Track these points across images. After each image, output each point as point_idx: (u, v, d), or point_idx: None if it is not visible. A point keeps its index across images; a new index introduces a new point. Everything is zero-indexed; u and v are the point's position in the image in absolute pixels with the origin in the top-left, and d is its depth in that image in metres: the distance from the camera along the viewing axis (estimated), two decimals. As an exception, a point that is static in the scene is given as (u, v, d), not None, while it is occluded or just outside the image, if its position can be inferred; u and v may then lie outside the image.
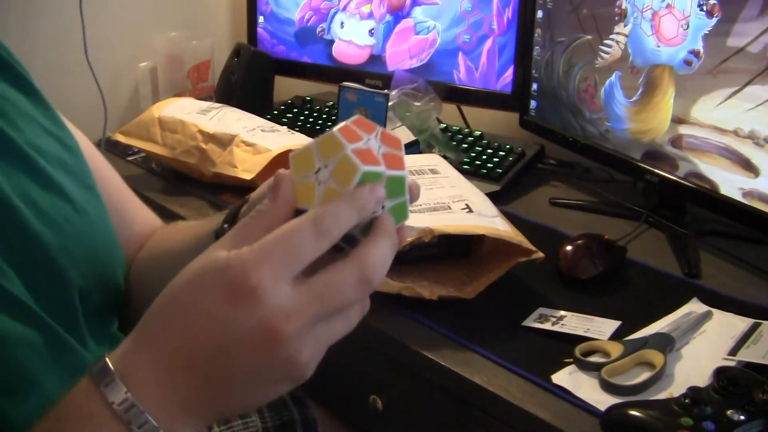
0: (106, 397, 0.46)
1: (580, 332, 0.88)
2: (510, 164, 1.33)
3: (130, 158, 1.43)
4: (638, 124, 1.17)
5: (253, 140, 1.24)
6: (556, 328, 0.89)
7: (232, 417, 0.61)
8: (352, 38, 1.57)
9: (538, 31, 1.33)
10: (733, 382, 0.74)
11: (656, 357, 0.81)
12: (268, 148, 1.21)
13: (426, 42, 1.48)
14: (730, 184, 1.04)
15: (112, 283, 0.76)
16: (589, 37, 1.24)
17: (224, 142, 1.25)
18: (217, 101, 1.49)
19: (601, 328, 0.89)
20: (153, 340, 0.48)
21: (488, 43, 1.41)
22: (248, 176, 1.19)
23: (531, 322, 0.91)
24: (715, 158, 1.05)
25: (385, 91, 1.34)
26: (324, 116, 1.55)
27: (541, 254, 0.94)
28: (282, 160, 1.19)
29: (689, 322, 0.89)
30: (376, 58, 1.54)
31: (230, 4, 1.87)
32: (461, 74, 1.45)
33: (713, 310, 0.92)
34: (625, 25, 1.17)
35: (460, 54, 1.45)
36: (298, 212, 0.49)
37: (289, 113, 1.58)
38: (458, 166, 1.26)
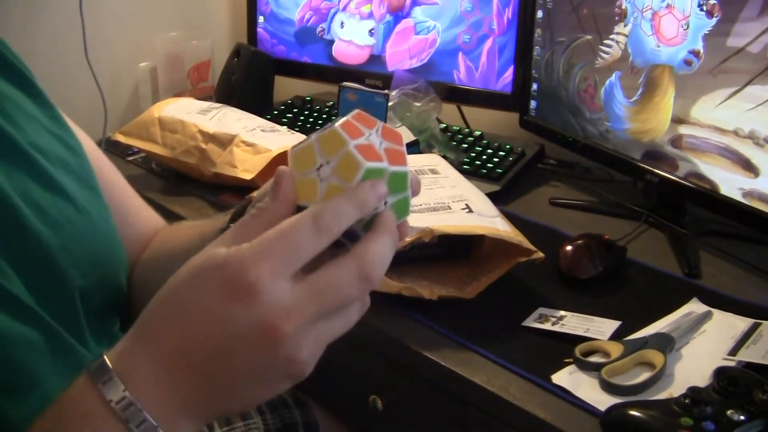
0: (104, 395, 0.46)
1: (580, 332, 0.88)
2: (510, 164, 1.33)
3: (130, 158, 1.43)
4: (638, 124, 1.17)
5: (253, 140, 1.24)
6: (556, 328, 0.89)
7: (232, 415, 0.61)
8: (352, 38, 1.57)
9: (538, 31, 1.33)
10: (733, 382, 0.74)
11: (656, 357, 0.81)
12: (268, 148, 1.21)
13: (426, 42, 1.48)
14: (730, 184, 1.04)
15: (113, 284, 0.76)
16: (589, 37, 1.24)
17: (224, 142, 1.25)
18: (217, 101, 1.49)
19: (601, 328, 0.89)
20: (152, 339, 0.48)
21: (488, 43, 1.41)
22: (248, 176, 1.19)
23: (531, 322, 0.91)
24: (715, 158, 1.05)
25: (385, 91, 1.34)
26: (324, 116, 1.55)
27: (541, 254, 0.94)
28: (282, 160, 1.19)
29: (689, 322, 0.89)
30: (376, 58, 1.54)
31: (230, 4, 1.87)
32: (461, 74, 1.45)
33: (713, 310, 0.92)
34: (625, 25, 1.17)
35: (460, 54, 1.45)
36: (300, 210, 0.48)
37: (289, 113, 1.58)
38: (458, 166, 1.26)
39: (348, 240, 0.49)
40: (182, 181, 1.32)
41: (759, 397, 0.72)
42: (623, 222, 1.19)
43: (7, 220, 0.64)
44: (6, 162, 0.67)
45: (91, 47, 1.59)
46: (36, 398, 0.58)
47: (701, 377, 0.79)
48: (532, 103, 1.37)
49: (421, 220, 0.91)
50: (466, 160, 1.34)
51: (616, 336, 0.87)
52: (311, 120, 1.54)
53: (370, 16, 1.53)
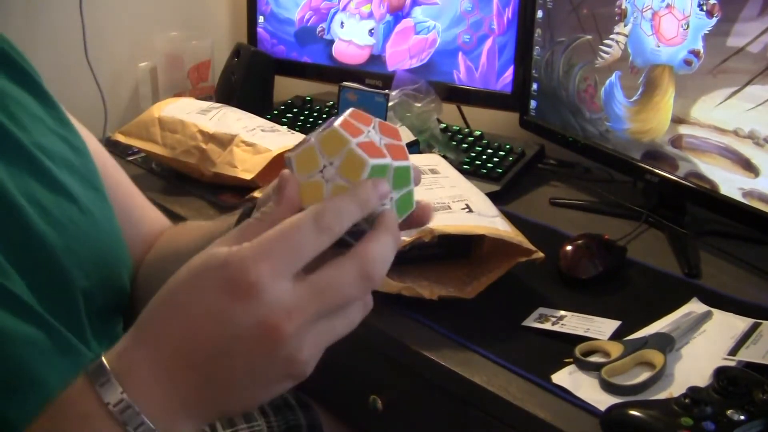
0: (102, 397, 0.46)
1: (580, 332, 0.88)
2: (510, 164, 1.33)
3: (130, 158, 1.43)
4: (638, 124, 1.17)
5: (253, 140, 1.24)
6: (556, 328, 0.89)
7: (233, 416, 0.61)
8: (352, 38, 1.57)
9: (538, 31, 1.33)
10: (733, 382, 0.74)
11: (656, 357, 0.81)
12: (268, 148, 1.21)
13: (426, 42, 1.48)
14: (730, 184, 1.04)
15: (116, 284, 0.76)
16: (589, 37, 1.24)
17: (224, 142, 1.25)
18: (217, 101, 1.49)
19: (601, 328, 0.89)
20: (152, 339, 0.47)
21: (488, 43, 1.41)
22: (248, 176, 1.19)
23: (531, 322, 0.91)
24: (715, 158, 1.05)
25: (386, 91, 1.34)
26: (324, 116, 1.55)
27: (541, 254, 0.94)
28: (282, 160, 1.19)
29: (689, 322, 0.89)
30: (376, 58, 1.54)
31: (230, 4, 1.87)
32: (461, 74, 1.45)
33: (713, 310, 0.92)
34: (625, 25, 1.17)
35: (460, 54, 1.45)
36: None
37: (289, 113, 1.58)
38: (458, 166, 1.26)
39: (354, 239, 0.48)
40: (182, 181, 1.32)
41: (759, 397, 0.72)
42: (623, 222, 1.19)
43: (10, 219, 0.64)
44: (10, 162, 0.67)
45: (91, 47, 1.59)
46: (37, 398, 0.58)
47: (701, 377, 0.79)
48: (532, 103, 1.37)
49: (421, 220, 0.91)
50: (466, 160, 1.34)
51: (616, 336, 0.87)
52: (311, 120, 1.54)
53: (370, 16, 1.53)
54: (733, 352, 0.84)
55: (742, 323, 0.89)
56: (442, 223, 0.92)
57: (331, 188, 0.48)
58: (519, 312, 0.93)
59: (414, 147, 1.28)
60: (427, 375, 0.89)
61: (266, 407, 0.99)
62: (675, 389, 0.78)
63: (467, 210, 0.96)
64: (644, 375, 0.80)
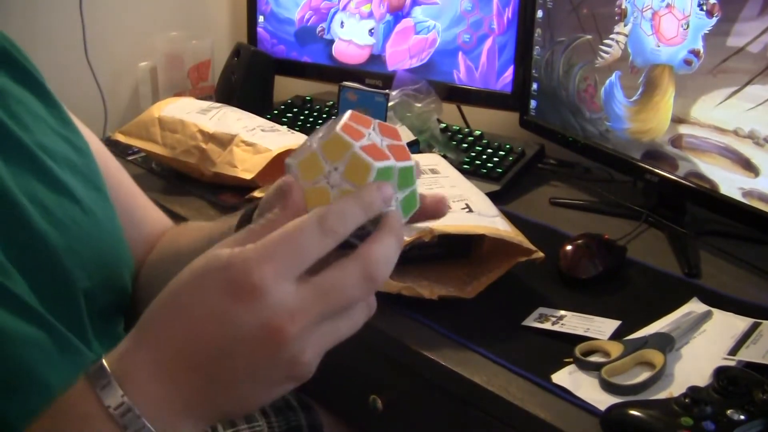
0: (102, 400, 0.46)
1: (580, 332, 0.88)
2: (510, 164, 1.33)
3: (130, 158, 1.43)
4: (638, 123, 1.17)
5: (253, 140, 1.24)
6: (556, 327, 0.89)
7: (234, 417, 0.61)
8: (352, 38, 1.57)
9: (538, 31, 1.33)
10: (733, 382, 0.74)
11: (656, 357, 0.81)
12: (268, 148, 1.21)
13: (426, 42, 1.48)
14: (730, 183, 1.04)
15: (118, 285, 0.76)
16: (589, 36, 1.24)
17: (224, 141, 1.25)
18: (217, 101, 1.49)
19: (601, 327, 0.89)
20: (153, 341, 0.47)
21: (488, 42, 1.41)
22: (248, 176, 1.19)
23: (531, 322, 0.91)
24: (715, 158, 1.05)
25: (386, 91, 1.34)
26: (324, 116, 1.55)
27: (541, 254, 0.94)
28: (282, 160, 1.18)
29: (689, 322, 0.89)
30: (376, 58, 1.54)
31: (230, 4, 1.87)
32: (461, 74, 1.45)
33: (713, 309, 0.92)
34: (625, 25, 1.17)
35: (460, 54, 1.45)
36: None
37: (289, 113, 1.58)
38: (458, 165, 1.26)
39: (359, 240, 0.48)
40: (182, 180, 1.32)
41: (759, 396, 0.72)
42: (623, 222, 1.19)
43: (12, 219, 0.64)
44: (12, 162, 0.67)
45: (91, 47, 1.59)
46: (37, 398, 0.58)
47: (701, 377, 0.79)
48: (532, 103, 1.37)
49: (421, 220, 0.91)
50: (466, 159, 1.34)
51: (616, 336, 0.87)
52: (311, 120, 1.54)
53: (370, 15, 1.53)
54: (733, 351, 0.84)
55: (742, 323, 0.89)
56: (442, 222, 0.92)
57: (337, 194, 0.48)
58: (519, 312, 0.93)
59: (414, 147, 1.28)
60: (427, 375, 0.89)
61: (267, 408, 0.99)
62: (675, 389, 0.78)
63: (467, 210, 0.96)
64: (644, 375, 0.80)
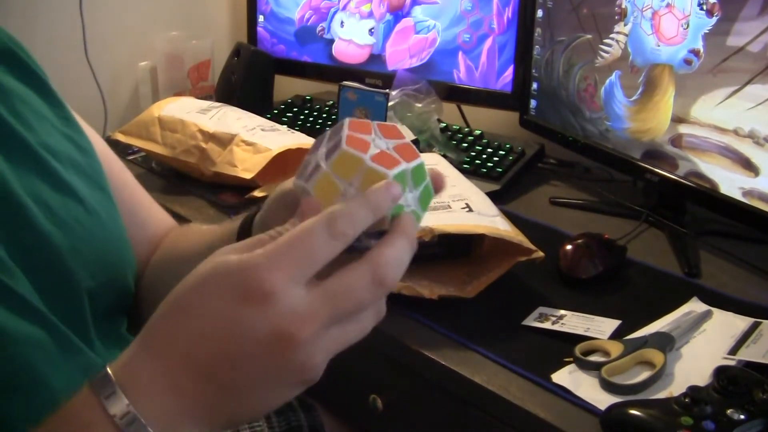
0: (107, 408, 0.45)
1: (580, 331, 0.88)
2: (510, 163, 1.33)
3: (130, 157, 1.43)
4: (638, 123, 1.17)
5: (253, 139, 1.24)
6: (556, 327, 0.89)
7: (241, 423, 0.60)
8: (352, 37, 1.57)
9: (538, 31, 1.33)
10: (733, 382, 0.74)
11: (656, 356, 0.81)
12: (268, 148, 1.21)
13: (426, 41, 1.48)
14: (730, 183, 1.04)
15: (121, 285, 0.76)
16: (589, 36, 1.23)
17: (224, 141, 1.25)
18: (217, 101, 1.49)
19: (601, 327, 0.89)
20: (159, 348, 0.47)
21: (488, 42, 1.41)
22: (248, 175, 1.19)
23: (531, 322, 0.91)
24: (715, 157, 1.05)
25: (386, 90, 1.34)
26: (324, 116, 1.55)
27: (541, 254, 0.94)
28: (282, 159, 1.19)
29: (689, 322, 0.89)
30: (376, 58, 1.54)
31: (230, 4, 1.87)
32: (461, 73, 1.45)
33: (713, 309, 0.92)
34: (625, 25, 1.17)
35: (460, 53, 1.45)
36: None
37: (289, 112, 1.58)
38: (458, 165, 1.26)
39: (374, 239, 0.48)
40: (182, 180, 1.32)
41: (759, 396, 0.72)
42: (623, 221, 1.19)
43: (16, 219, 0.64)
44: (16, 162, 0.67)
45: (91, 47, 1.59)
46: (40, 399, 0.58)
47: (701, 376, 0.79)
48: (532, 103, 1.37)
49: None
50: (466, 159, 1.34)
51: (616, 335, 0.87)
52: (311, 119, 1.54)
53: (370, 15, 1.53)
54: (733, 351, 0.84)
55: (742, 323, 0.89)
56: (442, 222, 0.92)
57: None
58: (519, 311, 0.93)
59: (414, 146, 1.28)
60: (427, 375, 0.89)
61: (268, 407, 0.99)
62: (675, 388, 0.78)
63: (467, 209, 0.96)
64: (644, 374, 0.80)
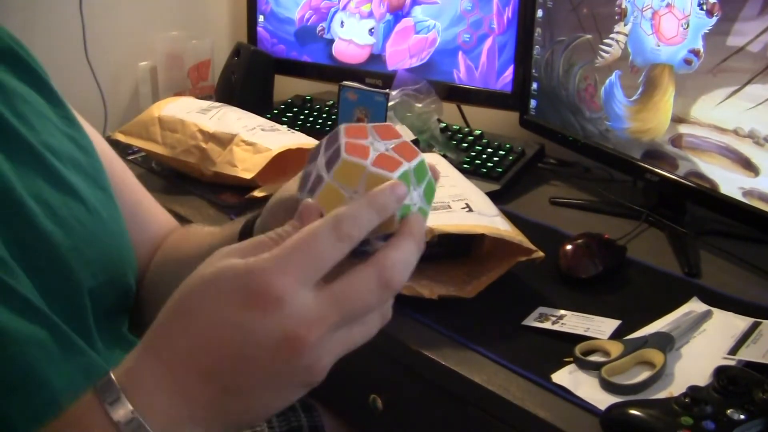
0: (111, 415, 0.45)
1: (580, 331, 0.88)
2: (510, 163, 1.33)
3: (130, 157, 1.43)
4: (638, 123, 1.17)
5: (253, 139, 1.24)
6: (556, 327, 0.89)
7: (246, 427, 0.60)
8: (352, 37, 1.57)
9: (538, 31, 1.33)
10: (733, 382, 0.74)
11: (656, 356, 0.81)
12: (268, 148, 1.21)
13: (426, 41, 1.48)
14: (730, 183, 1.04)
15: (122, 284, 0.76)
16: (589, 36, 1.23)
17: (224, 141, 1.25)
18: (217, 101, 1.49)
19: (601, 327, 0.89)
20: (165, 353, 0.47)
21: (488, 42, 1.41)
22: (248, 175, 1.19)
23: (531, 322, 0.91)
24: (715, 157, 1.05)
25: (386, 90, 1.34)
26: (324, 115, 1.55)
27: (541, 253, 0.94)
28: (282, 159, 1.19)
29: (689, 322, 0.89)
30: (376, 58, 1.54)
31: (230, 4, 1.87)
32: (461, 73, 1.45)
33: (713, 309, 0.92)
34: (625, 25, 1.17)
35: (460, 53, 1.45)
36: None
37: (289, 112, 1.58)
38: (458, 165, 1.26)
39: (381, 241, 0.48)
40: (182, 180, 1.32)
41: (759, 396, 0.72)
42: (623, 221, 1.19)
43: (17, 219, 0.64)
44: (18, 161, 0.67)
45: (91, 47, 1.59)
46: (41, 399, 0.58)
47: (701, 376, 0.79)
48: (532, 103, 1.37)
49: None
50: (466, 159, 1.34)
51: (616, 335, 0.87)
52: (311, 119, 1.54)
53: (370, 15, 1.53)
54: (733, 351, 0.84)
55: (742, 322, 0.89)
56: (442, 222, 0.92)
57: None
58: (519, 311, 0.93)
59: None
60: (427, 375, 0.89)
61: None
62: (675, 388, 0.78)
63: (467, 209, 0.96)
64: (644, 374, 0.80)
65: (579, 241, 1.03)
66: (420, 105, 1.37)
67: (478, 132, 1.41)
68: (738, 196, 1.03)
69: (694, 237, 1.12)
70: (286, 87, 1.71)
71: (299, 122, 1.54)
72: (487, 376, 0.83)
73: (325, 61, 1.61)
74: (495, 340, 0.88)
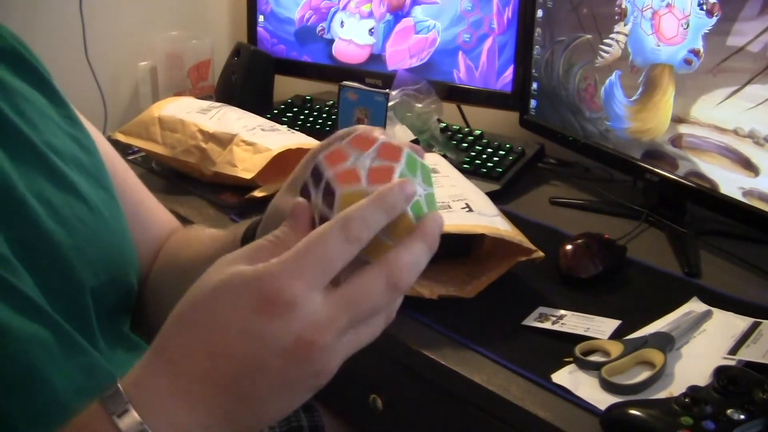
0: (119, 427, 0.45)
1: (580, 331, 0.88)
2: (510, 163, 1.33)
3: (130, 157, 1.43)
4: (638, 123, 1.17)
5: (253, 139, 1.24)
6: (556, 327, 0.89)
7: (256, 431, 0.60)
8: (352, 37, 1.57)
9: (538, 31, 1.33)
10: (733, 382, 0.74)
11: (656, 356, 0.81)
12: (268, 148, 1.21)
13: (426, 41, 1.48)
14: (730, 183, 1.04)
15: (124, 283, 0.76)
16: (589, 36, 1.23)
17: (224, 141, 1.25)
18: (217, 101, 1.49)
19: (601, 327, 0.89)
20: (174, 362, 0.46)
21: (488, 42, 1.41)
22: (248, 175, 1.19)
23: (531, 322, 0.91)
24: (715, 157, 1.05)
25: (386, 90, 1.34)
26: (324, 115, 1.55)
27: (541, 253, 0.94)
28: (282, 159, 1.19)
29: (689, 322, 0.89)
30: (376, 58, 1.54)
31: (230, 4, 1.87)
32: (461, 73, 1.45)
33: (713, 309, 0.92)
34: (625, 25, 1.17)
35: (460, 53, 1.45)
36: None
37: (289, 112, 1.58)
38: (458, 165, 1.26)
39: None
40: (182, 180, 1.32)
41: (759, 396, 0.72)
42: (623, 221, 1.19)
43: (20, 218, 0.64)
44: (20, 160, 0.68)
45: (91, 47, 1.59)
46: (43, 398, 0.58)
47: (701, 376, 0.79)
48: (532, 103, 1.37)
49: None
50: (466, 159, 1.34)
51: (616, 335, 0.87)
52: (311, 119, 1.54)
53: (370, 15, 1.53)
54: (733, 351, 0.84)
55: (742, 322, 0.89)
56: (442, 222, 0.92)
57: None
58: (519, 311, 0.93)
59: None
60: (427, 375, 0.89)
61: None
62: (675, 388, 0.78)
63: (467, 209, 0.96)
64: (644, 374, 0.80)
65: (579, 241, 1.03)
66: (420, 105, 1.37)
67: (478, 132, 1.41)
68: (738, 196, 1.03)
69: (694, 237, 1.12)
70: (286, 87, 1.71)
71: (299, 122, 1.54)
72: (487, 376, 0.83)
73: (325, 61, 1.61)
74: (495, 340, 0.88)
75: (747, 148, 1.01)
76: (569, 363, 0.83)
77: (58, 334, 0.61)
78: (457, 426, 0.90)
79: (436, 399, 0.91)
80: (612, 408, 0.75)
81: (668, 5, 1.09)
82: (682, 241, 1.11)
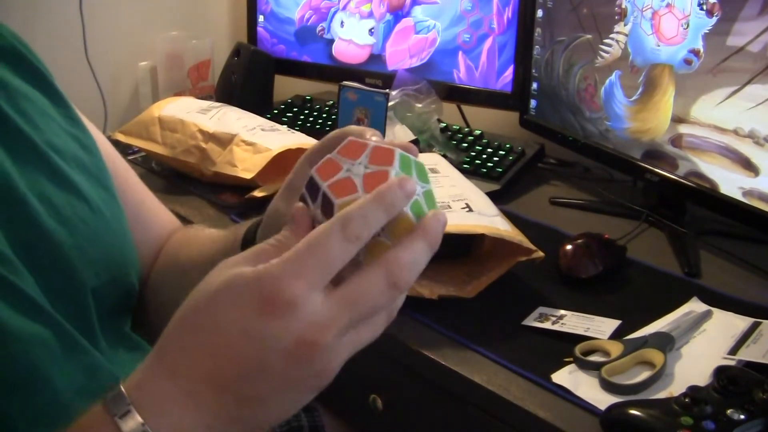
0: (122, 428, 0.45)
1: (580, 331, 0.88)
2: (510, 163, 1.33)
3: (130, 157, 1.43)
4: (638, 123, 1.17)
5: (253, 139, 1.24)
6: (556, 327, 0.89)
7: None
8: (352, 37, 1.57)
9: (538, 31, 1.33)
10: (733, 382, 0.74)
11: (656, 356, 0.81)
12: (268, 148, 1.21)
13: (426, 41, 1.48)
14: (730, 183, 1.04)
15: (125, 283, 0.76)
16: (589, 36, 1.23)
17: (224, 141, 1.25)
18: (217, 101, 1.49)
19: (601, 327, 0.89)
20: (177, 365, 0.47)
21: (488, 42, 1.41)
22: (248, 175, 1.19)
23: (531, 322, 0.91)
24: (715, 157, 1.05)
25: (386, 90, 1.34)
26: (324, 115, 1.55)
27: (541, 253, 0.94)
28: (282, 159, 1.19)
29: (689, 322, 0.89)
30: (376, 58, 1.54)
31: (230, 4, 1.87)
32: (461, 73, 1.45)
33: (713, 309, 0.92)
34: (625, 25, 1.17)
35: (460, 53, 1.45)
36: None
37: (289, 112, 1.58)
38: (458, 165, 1.26)
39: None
40: (182, 180, 1.32)
41: (759, 396, 0.72)
42: (623, 221, 1.19)
43: (21, 217, 0.64)
44: (21, 160, 0.68)
45: (91, 47, 1.59)
46: (43, 397, 0.58)
47: (701, 376, 0.79)
48: (532, 103, 1.37)
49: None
50: (466, 159, 1.34)
51: (616, 335, 0.87)
52: (311, 119, 1.54)
53: (370, 15, 1.53)
54: (733, 351, 0.84)
55: (742, 322, 0.89)
56: (442, 222, 0.92)
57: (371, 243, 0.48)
58: (519, 311, 0.93)
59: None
60: (427, 375, 0.89)
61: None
62: (675, 388, 0.78)
63: (467, 209, 0.96)
64: (644, 374, 0.80)
65: (579, 241, 1.03)
66: (420, 105, 1.37)
67: (478, 132, 1.41)
68: (738, 196, 1.03)
69: (694, 237, 1.12)
70: (286, 87, 1.71)
71: (299, 122, 1.54)
72: (487, 376, 0.83)
73: (325, 61, 1.61)
74: (495, 340, 0.88)
75: (747, 148, 1.01)
76: (569, 363, 0.83)
77: (59, 333, 0.61)
78: (457, 426, 0.90)
79: (436, 399, 0.91)
80: (612, 408, 0.75)
81: (668, 5, 1.09)
82: (682, 241, 1.11)
